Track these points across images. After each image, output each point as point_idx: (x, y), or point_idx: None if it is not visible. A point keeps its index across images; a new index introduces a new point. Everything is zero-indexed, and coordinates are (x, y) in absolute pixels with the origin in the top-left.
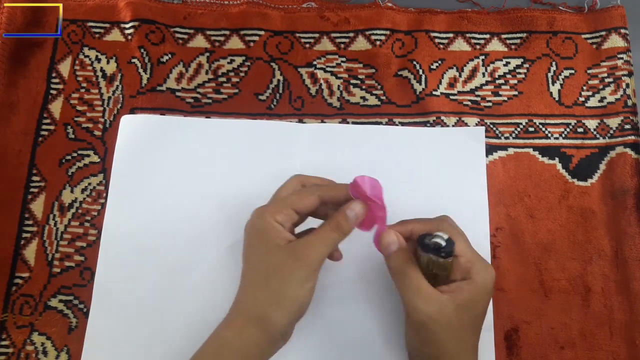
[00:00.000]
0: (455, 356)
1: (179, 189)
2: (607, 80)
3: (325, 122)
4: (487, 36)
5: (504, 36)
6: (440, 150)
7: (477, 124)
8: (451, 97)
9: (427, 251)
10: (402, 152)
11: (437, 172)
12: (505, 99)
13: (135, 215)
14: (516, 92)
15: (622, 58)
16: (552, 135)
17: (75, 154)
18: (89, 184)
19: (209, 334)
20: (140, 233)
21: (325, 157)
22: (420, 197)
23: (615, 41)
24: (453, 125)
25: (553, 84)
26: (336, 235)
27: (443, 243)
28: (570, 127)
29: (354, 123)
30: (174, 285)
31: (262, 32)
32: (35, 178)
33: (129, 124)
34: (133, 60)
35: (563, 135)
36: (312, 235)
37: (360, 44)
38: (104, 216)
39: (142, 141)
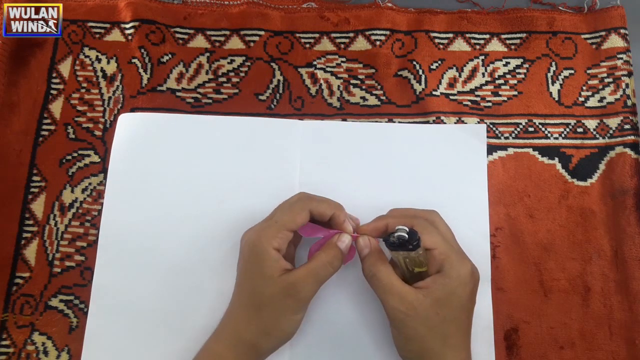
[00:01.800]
0: (441, 354)
1: (177, 187)
2: (606, 80)
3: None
4: (487, 36)
5: (503, 36)
6: (441, 147)
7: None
8: (451, 97)
9: (395, 248)
10: (403, 150)
11: (437, 170)
12: (505, 99)
13: (133, 214)
14: (516, 92)
15: (621, 58)
16: (551, 135)
17: (75, 154)
18: (90, 184)
19: (207, 334)
20: (139, 232)
21: (326, 154)
22: (420, 195)
23: (614, 41)
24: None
25: (553, 84)
26: (331, 270)
27: (405, 235)
28: (570, 127)
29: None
30: (173, 285)
31: (262, 32)
32: (35, 178)
33: (126, 122)
34: (133, 60)
35: (563, 135)
36: (306, 270)
37: (360, 44)
38: (102, 216)
39: (140, 139)
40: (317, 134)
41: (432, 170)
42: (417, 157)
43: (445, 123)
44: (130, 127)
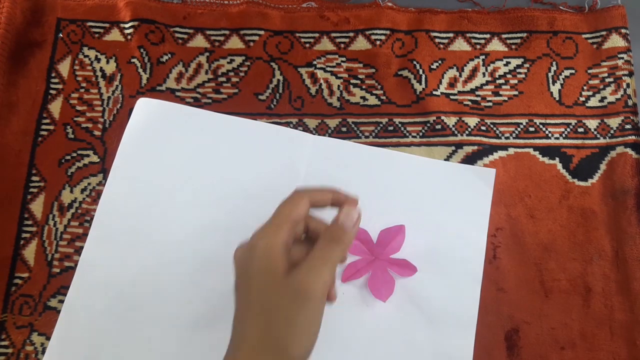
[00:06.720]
0: None
1: (181, 180)
2: (607, 80)
3: (325, 122)
4: (488, 36)
5: (504, 36)
6: (448, 185)
7: (477, 124)
8: (451, 97)
9: None
10: (409, 180)
11: (439, 207)
12: (506, 98)
13: (133, 198)
14: (516, 92)
15: (622, 58)
16: (552, 135)
17: (74, 154)
18: (89, 184)
19: (199, 327)
20: (135, 217)
21: (331, 172)
22: (419, 225)
23: (615, 41)
24: (453, 126)
25: (553, 84)
26: (337, 249)
27: None
28: (571, 127)
29: (354, 123)
30: (161, 276)
31: (262, 32)
32: (34, 178)
33: (144, 107)
34: (133, 60)
35: (563, 135)
36: (312, 261)
37: (360, 43)
38: (101, 194)
39: (154, 126)
40: (325, 151)
41: (435, 206)
42: (422, 189)
43: (445, 123)
44: (147, 112)
